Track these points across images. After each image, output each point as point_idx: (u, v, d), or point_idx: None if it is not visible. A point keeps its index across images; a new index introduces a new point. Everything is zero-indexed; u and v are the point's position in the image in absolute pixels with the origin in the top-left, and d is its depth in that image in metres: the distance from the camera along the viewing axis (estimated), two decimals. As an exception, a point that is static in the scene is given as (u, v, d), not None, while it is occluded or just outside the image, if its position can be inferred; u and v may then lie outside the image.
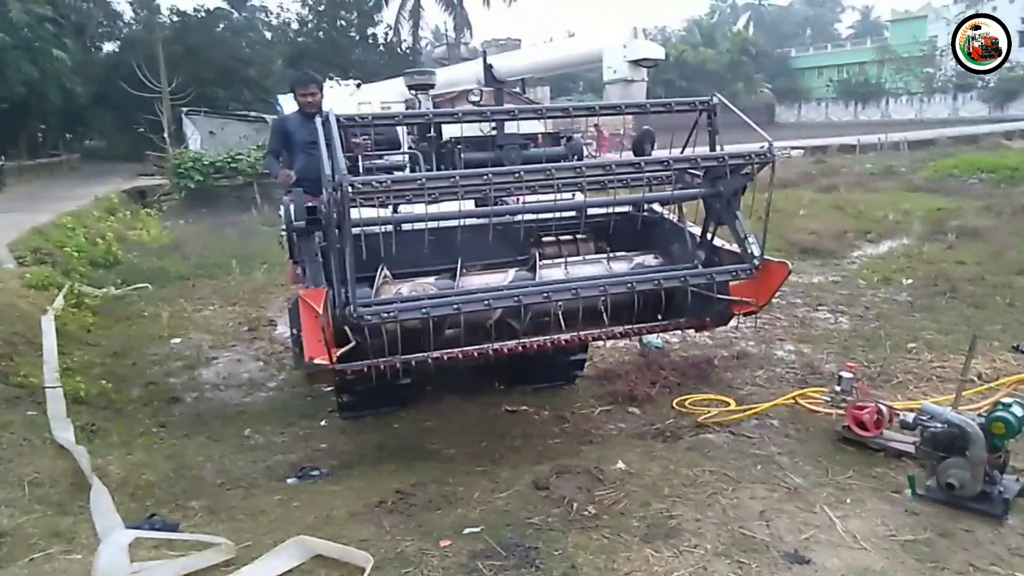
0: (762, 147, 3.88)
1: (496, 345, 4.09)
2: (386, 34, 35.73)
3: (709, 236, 4.37)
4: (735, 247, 4.22)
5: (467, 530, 3.50)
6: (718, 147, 4.20)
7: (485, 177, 3.58)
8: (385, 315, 3.55)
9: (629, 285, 3.98)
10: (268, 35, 37.71)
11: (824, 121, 49.98)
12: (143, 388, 6.46)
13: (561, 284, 4.01)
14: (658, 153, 4.45)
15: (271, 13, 39.58)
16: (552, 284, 4.01)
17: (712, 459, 4.31)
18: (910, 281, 9.01)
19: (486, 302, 3.72)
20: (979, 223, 12.25)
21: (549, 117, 4.73)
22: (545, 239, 4.85)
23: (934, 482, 3.75)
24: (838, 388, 4.70)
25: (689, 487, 3.91)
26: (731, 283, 4.26)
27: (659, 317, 4.56)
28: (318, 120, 3.75)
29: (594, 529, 3.47)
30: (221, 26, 34.43)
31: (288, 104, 7.69)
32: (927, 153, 24.75)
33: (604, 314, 4.19)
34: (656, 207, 4.86)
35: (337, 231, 3.47)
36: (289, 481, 4.49)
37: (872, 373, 5.89)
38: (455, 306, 3.64)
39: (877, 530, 3.47)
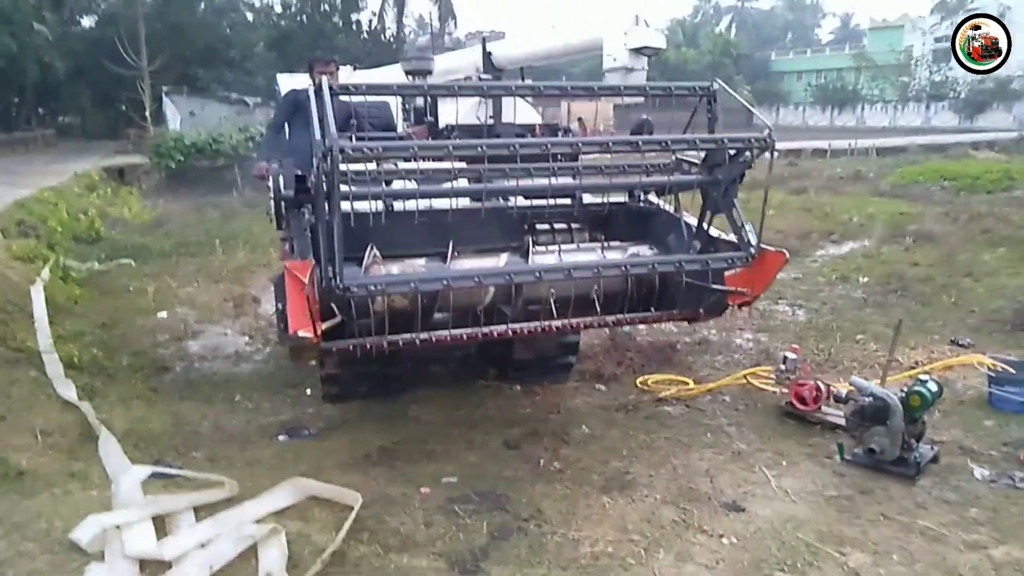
0: (763, 132, 3.76)
1: (486, 329, 3.96)
2: (370, 21, 35.74)
3: (705, 226, 4.21)
4: (732, 237, 4.08)
5: (445, 479, 3.92)
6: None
7: (479, 148, 3.45)
8: (372, 288, 3.47)
9: (623, 269, 3.84)
10: (250, 17, 37.49)
11: (801, 125, 50.66)
12: (133, 356, 6.69)
13: (554, 266, 3.89)
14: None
15: (254, -6, 39.33)
16: (545, 266, 3.89)
17: (667, 427, 4.78)
18: (866, 280, 9.54)
19: (476, 278, 3.56)
20: (936, 228, 12.80)
21: (547, 95, 4.77)
22: (539, 226, 4.67)
23: (860, 449, 4.24)
24: (783, 367, 5.17)
25: (645, 449, 4.37)
26: (727, 272, 4.16)
27: (653, 308, 4.45)
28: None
29: (558, 481, 3.92)
30: (203, 5, 34.23)
31: (286, 83, 7.76)
32: (895, 160, 25.49)
33: (596, 302, 4.10)
34: (652, 198, 4.69)
35: (326, 200, 3.28)
36: (280, 438, 4.84)
37: (821, 359, 6.39)
38: (444, 281, 3.50)
39: (806, 487, 3.95)
